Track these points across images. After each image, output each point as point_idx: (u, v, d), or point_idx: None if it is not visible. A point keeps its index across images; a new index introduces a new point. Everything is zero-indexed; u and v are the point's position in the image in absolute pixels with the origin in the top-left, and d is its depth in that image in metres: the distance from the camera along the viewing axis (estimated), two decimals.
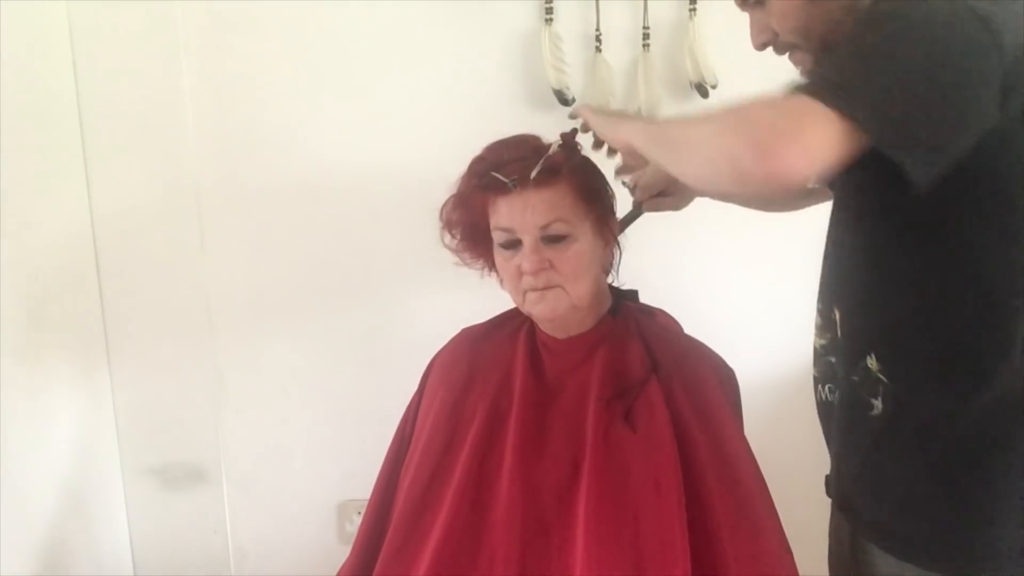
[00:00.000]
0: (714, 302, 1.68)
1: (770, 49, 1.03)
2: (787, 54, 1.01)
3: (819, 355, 1.07)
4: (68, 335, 1.67)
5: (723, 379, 1.22)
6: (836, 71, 0.79)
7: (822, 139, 0.75)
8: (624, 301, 1.25)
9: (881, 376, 0.95)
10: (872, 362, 0.96)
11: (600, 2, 1.66)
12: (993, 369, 0.89)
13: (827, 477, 1.10)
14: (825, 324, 1.05)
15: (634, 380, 1.15)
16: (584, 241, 1.13)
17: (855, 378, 0.98)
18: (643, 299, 1.30)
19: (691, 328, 1.29)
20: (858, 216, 0.98)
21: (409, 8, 1.67)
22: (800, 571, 1.13)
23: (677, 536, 1.05)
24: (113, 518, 1.80)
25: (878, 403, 0.96)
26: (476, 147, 1.18)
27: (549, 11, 1.66)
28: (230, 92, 1.69)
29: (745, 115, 0.81)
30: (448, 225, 1.22)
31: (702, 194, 0.93)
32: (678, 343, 1.23)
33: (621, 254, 1.23)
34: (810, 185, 0.77)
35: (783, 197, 0.89)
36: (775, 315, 1.73)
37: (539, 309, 1.15)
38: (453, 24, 1.67)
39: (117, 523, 1.81)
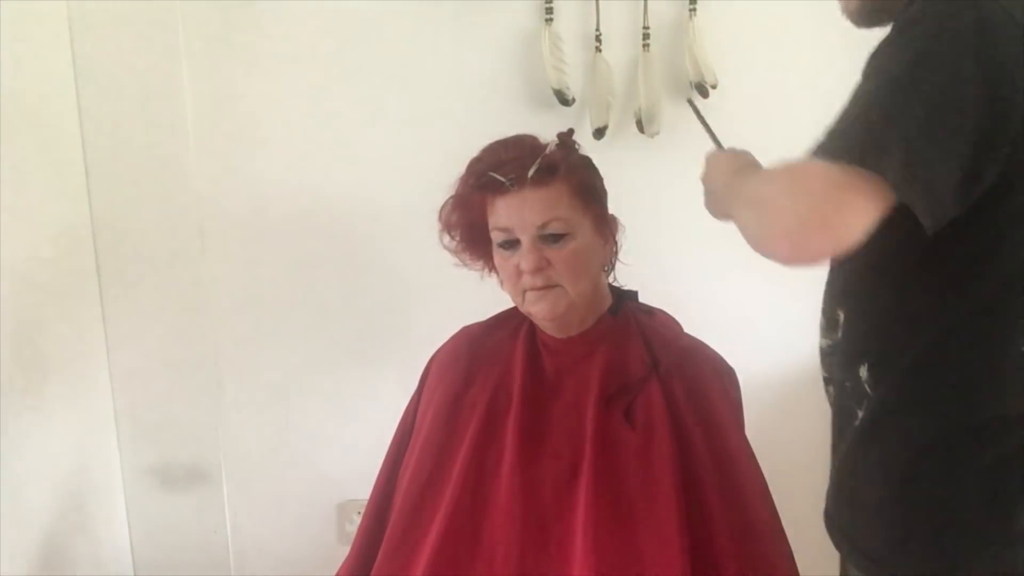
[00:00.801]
0: (714, 302, 1.68)
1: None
2: None
3: (825, 355, 1.07)
4: (68, 335, 1.67)
5: (723, 378, 1.21)
6: (864, 128, 0.78)
7: (857, 214, 0.75)
8: (624, 301, 1.25)
9: (867, 388, 0.94)
10: (864, 372, 0.95)
11: (600, 2, 1.66)
12: (976, 394, 0.88)
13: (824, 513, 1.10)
14: (829, 325, 1.04)
15: (634, 378, 1.15)
16: (583, 239, 1.13)
17: (847, 384, 0.98)
18: (643, 299, 1.30)
19: (691, 328, 1.29)
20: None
21: (409, 8, 1.67)
22: (800, 571, 1.13)
23: (675, 534, 1.05)
24: (113, 518, 1.80)
25: (860, 413, 0.95)
26: (476, 147, 1.18)
27: (549, 11, 1.66)
28: (230, 92, 1.69)
29: (786, 198, 0.81)
30: (447, 226, 1.22)
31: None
32: (678, 342, 1.23)
33: (617, 251, 1.24)
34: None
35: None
36: (775, 315, 1.73)
37: (539, 308, 1.15)
38: (453, 24, 1.68)
39: (117, 523, 1.81)
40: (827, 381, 1.07)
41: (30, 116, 1.54)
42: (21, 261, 1.48)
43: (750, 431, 1.22)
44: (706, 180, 1.11)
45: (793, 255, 0.79)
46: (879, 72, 0.82)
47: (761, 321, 1.75)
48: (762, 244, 0.82)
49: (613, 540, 1.06)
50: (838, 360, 1.01)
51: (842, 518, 0.99)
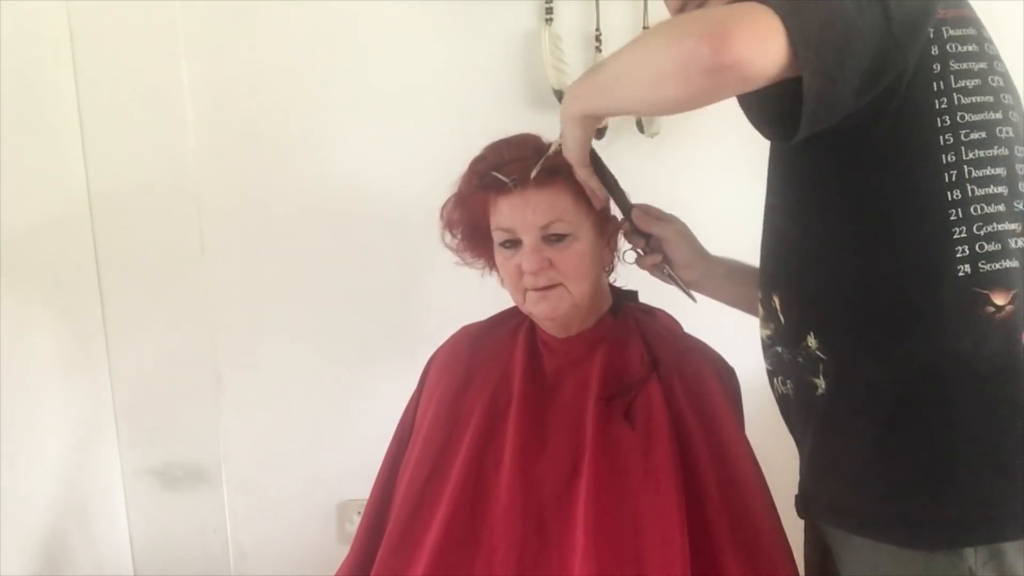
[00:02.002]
0: (714, 302, 1.67)
1: None
2: None
3: (767, 346, 1.08)
4: (68, 335, 1.67)
5: (723, 378, 1.22)
6: None
7: (771, 35, 0.78)
8: (624, 300, 1.26)
9: (820, 353, 0.95)
10: (811, 340, 0.96)
11: (600, 2, 1.66)
12: (922, 331, 0.89)
13: (796, 497, 1.10)
14: (767, 313, 1.05)
15: (634, 378, 1.15)
16: (585, 240, 1.13)
17: (800, 360, 0.99)
18: (643, 299, 1.30)
19: (691, 328, 1.29)
20: (781, 194, 1.01)
21: (409, 8, 1.67)
22: (799, 570, 1.13)
23: (676, 535, 1.05)
24: (113, 518, 1.80)
25: (820, 381, 0.96)
26: (476, 147, 1.18)
27: (549, 11, 1.66)
28: (230, 92, 1.69)
29: (693, 19, 0.85)
30: (449, 224, 1.22)
31: (657, 114, 0.96)
32: (678, 342, 1.24)
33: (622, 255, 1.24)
34: (761, 83, 0.80)
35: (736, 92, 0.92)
36: None
37: (540, 308, 1.15)
38: (454, 24, 1.68)
39: (117, 523, 1.81)
40: (772, 373, 1.08)
41: (30, 116, 1.54)
42: (21, 260, 1.48)
43: (750, 431, 1.22)
44: (568, 107, 1.04)
45: (716, 56, 0.78)
46: None
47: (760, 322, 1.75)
48: (676, 60, 0.81)
49: (613, 539, 1.06)
50: (784, 341, 1.02)
51: (827, 492, 1.00)
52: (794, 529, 1.15)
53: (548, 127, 1.18)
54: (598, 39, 1.67)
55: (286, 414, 1.81)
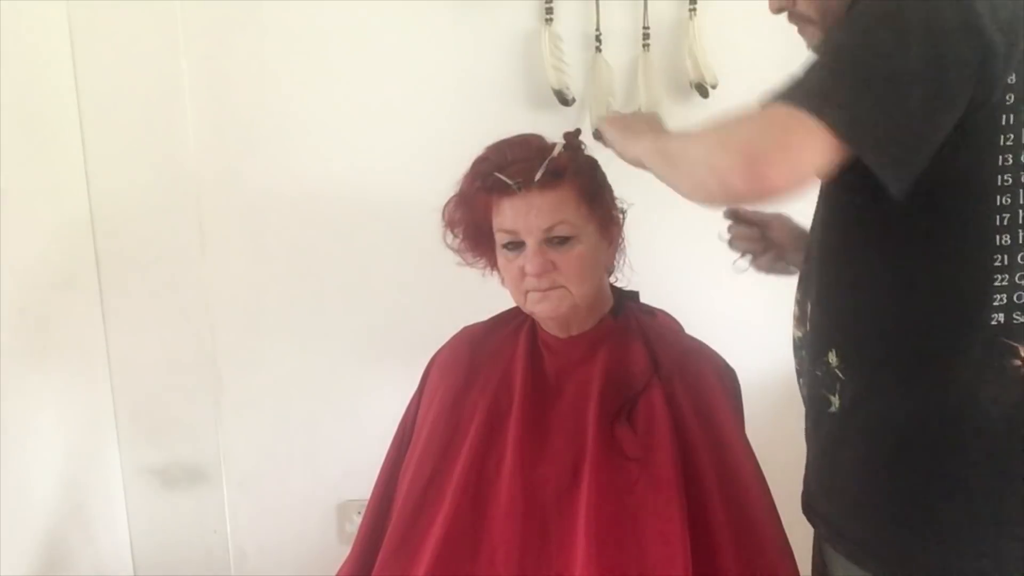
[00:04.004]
0: (714, 302, 1.68)
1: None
2: (798, 27, 1.00)
3: (796, 348, 1.07)
4: (68, 335, 1.66)
5: (724, 379, 1.22)
6: (818, 80, 0.79)
7: (809, 152, 0.76)
8: (625, 301, 1.26)
9: (839, 373, 0.94)
10: (833, 357, 0.95)
11: (600, 2, 1.67)
12: (945, 373, 0.87)
13: (802, 494, 1.09)
14: (800, 316, 1.05)
15: (635, 380, 1.15)
16: (588, 242, 1.13)
17: (818, 373, 0.98)
18: (644, 299, 1.30)
19: (691, 328, 1.29)
20: (831, 212, 0.99)
21: (409, 8, 1.67)
22: (800, 570, 1.13)
23: (677, 536, 1.05)
24: (113, 518, 1.80)
25: (835, 400, 0.95)
26: (476, 147, 1.18)
27: (549, 11, 1.66)
28: (230, 92, 1.69)
29: (731, 133, 0.82)
30: (450, 224, 1.22)
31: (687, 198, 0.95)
32: (679, 343, 1.24)
33: (625, 257, 1.23)
34: (812, 185, 0.79)
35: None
36: (775, 315, 1.73)
37: (541, 308, 1.15)
38: (453, 24, 1.68)
39: (117, 523, 1.81)
40: (799, 373, 1.07)
41: (30, 116, 1.54)
42: (21, 261, 1.48)
43: (751, 431, 1.22)
44: (617, 129, 1.05)
45: (750, 185, 0.77)
46: (827, 42, 0.84)
47: (761, 321, 1.75)
48: (713, 179, 0.81)
49: (614, 541, 1.06)
50: (808, 351, 1.02)
51: (826, 509, 1.00)
52: (794, 529, 1.15)
53: (548, 127, 1.18)
54: (598, 39, 1.68)
55: (286, 414, 1.81)
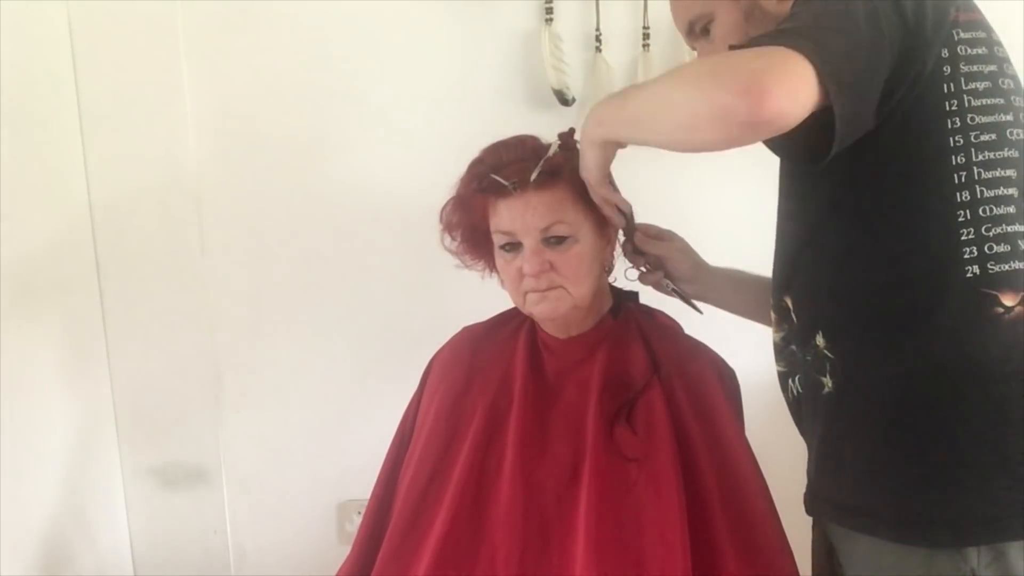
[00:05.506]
0: None
1: None
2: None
3: (780, 348, 1.09)
4: (68, 335, 1.67)
5: (724, 379, 1.22)
6: (800, 31, 0.84)
7: (804, 84, 0.80)
8: (625, 302, 1.26)
9: (828, 352, 0.96)
10: (820, 339, 0.97)
11: (600, 2, 1.67)
12: (930, 331, 0.90)
13: (804, 495, 1.10)
14: (780, 316, 1.07)
15: (635, 380, 1.15)
16: (585, 242, 1.13)
17: (808, 358, 1.00)
18: (643, 300, 1.30)
19: (691, 328, 1.29)
20: (794, 198, 1.03)
21: (409, 8, 1.67)
22: (800, 571, 1.13)
23: (677, 536, 1.05)
24: (113, 518, 1.80)
25: (828, 380, 0.97)
26: (476, 147, 1.18)
27: (549, 11, 1.66)
28: (230, 93, 1.69)
29: (725, 62, 0.86)
30: (448, 227, 1.22)
31: (683, 151, 0.96)
32: (679, 343, 1.24)
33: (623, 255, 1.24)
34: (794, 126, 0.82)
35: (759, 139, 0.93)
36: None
37: (540, 309, 1.15)
38: (453, 24, 1.68)
39: (117, 523, 1.81)
40: (785, 375, 1.08)
41: (30, 117, 1.54)
42: (21, 261, 1.48)
43: (750, 431, 1.22)
44: (591, 131, 1.04)
45: (752, 107, 0.79)
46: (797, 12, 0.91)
47: None
48: (711, 107, 0.82)
49: (614, 542, 1.06)
50: (796, 341, 1.03)
51: (833, 490, 1.01)
52: (794, 529, 1.15)
53: (548, 127, 1.18)
54: (598, 39, 1.67)
55: (286, 414, 1.81)
